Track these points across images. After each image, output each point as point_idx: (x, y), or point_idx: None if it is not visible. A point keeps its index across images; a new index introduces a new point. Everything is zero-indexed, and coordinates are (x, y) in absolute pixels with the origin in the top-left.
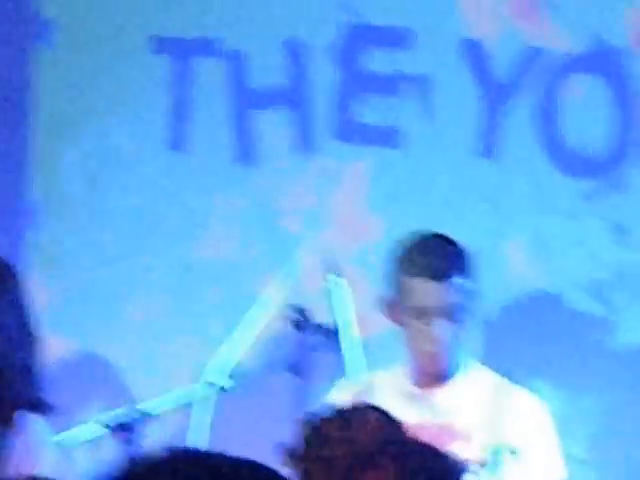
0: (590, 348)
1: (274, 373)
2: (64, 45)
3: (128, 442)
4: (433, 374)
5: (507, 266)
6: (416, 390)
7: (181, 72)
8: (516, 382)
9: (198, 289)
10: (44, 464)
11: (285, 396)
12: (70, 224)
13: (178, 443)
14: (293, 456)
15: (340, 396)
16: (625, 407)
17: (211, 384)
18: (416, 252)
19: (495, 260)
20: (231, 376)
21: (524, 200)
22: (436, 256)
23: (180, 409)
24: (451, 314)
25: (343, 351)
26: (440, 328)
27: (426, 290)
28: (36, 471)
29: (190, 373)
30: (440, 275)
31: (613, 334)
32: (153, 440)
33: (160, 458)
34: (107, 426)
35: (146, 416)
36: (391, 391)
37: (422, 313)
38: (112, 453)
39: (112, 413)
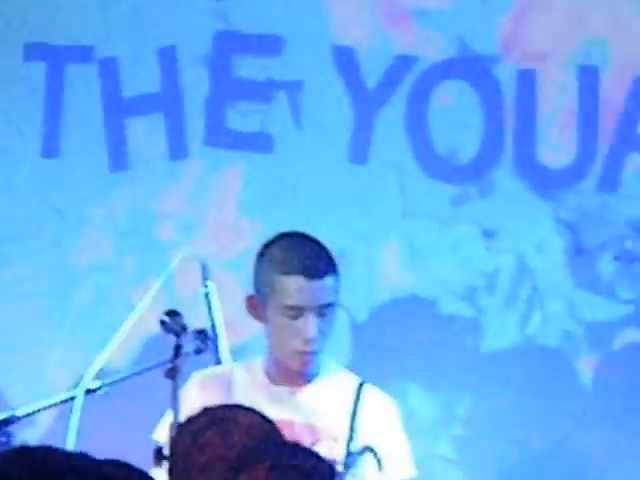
0: (462, 352)
1: (147, 375)
2: None
3: (1, 445)
4: (298, 373)
5: (381, 270)
6: (277, 388)
7: (55, 79)
8: (387, 386)
9: (72, 295)
10: None
11: (158, 398)
12: None
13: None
14: (165, 458)
15: (196, 389)
16: (495, 408)
17: (83, 387)
18: (289, 251)
19: (368, 264)
20: (99, 378)
21: (395, 205)
22: (310, 255)
23: (53, 411)
24: (323, 313)
25: (220, 355)
26: (312, 327)
27: (300, 288)
28: None
29: (65, 378)
30: (314, 274)
31: (484, 338)
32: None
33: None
34: None
35: (20, 419)
36: (251, 387)
37: (295, 311)
38: None
39: None
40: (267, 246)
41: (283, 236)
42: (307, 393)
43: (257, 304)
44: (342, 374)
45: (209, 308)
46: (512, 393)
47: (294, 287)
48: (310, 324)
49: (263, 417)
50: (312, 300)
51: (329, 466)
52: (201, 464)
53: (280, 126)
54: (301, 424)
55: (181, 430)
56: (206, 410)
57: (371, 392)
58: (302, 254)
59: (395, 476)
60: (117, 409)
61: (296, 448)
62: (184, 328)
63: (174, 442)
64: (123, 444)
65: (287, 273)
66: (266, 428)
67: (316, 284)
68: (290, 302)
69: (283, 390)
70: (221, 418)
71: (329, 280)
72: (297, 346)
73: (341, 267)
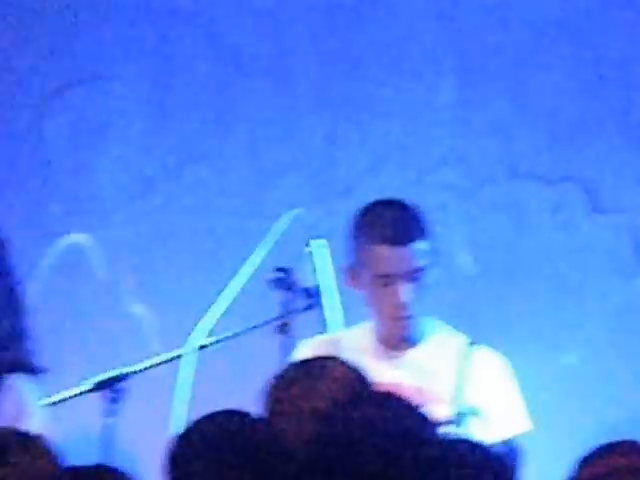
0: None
1: (258, 332)
2: None
3: (113, 401)
4: (400, 338)
5: None
6: (384, 351)
7: None
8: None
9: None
10: (32, 426)
11: (269, 354)
12: None
13: (161, 400)
14: (264, 409)
15: (306, 353)
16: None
17: (195, 344)
18: (376, 219)
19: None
20: (211, 334)
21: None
22: (396, 222)
23: (162, 367)
24: (414, 279)
25: (325, 311)
26: (404, 293)
27: (389, 256)
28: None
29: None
30: (399, 241)
31: (587, 296)
32: (138, 399)
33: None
34: (94, 386)
35: (131, 375)
36: (360, 352)
37: (384, 279)
38: (98, 413)
39: (98, 375)
40: (358, 215)
41: (373, 205)
42: (414, 356)
43: (353, 274)
44: (449, 335)
45: (314, 267)
46: (617, 353)
47: (380, 256)
48: (400, 290)
49: (354, 369)
50: (400, 267)
51: (431, 421)
52: (291, 414)
53: None
54: (409, 386)
55: (273, 382)
56: (298, 362)
57: (480, 351)
58: (387, 222)
59: (510, 432)
60: (228, 366)
61: (387, 399)
62: (294, 284)
63: (267, 393)
64: (234, 401)
65: (373, 242)
66: (356, 380)
67: (402, 251)
68: (378, 270)
69: (390, 354)
70: (312, 370)
71: (417, 245)
72: (391, 312)
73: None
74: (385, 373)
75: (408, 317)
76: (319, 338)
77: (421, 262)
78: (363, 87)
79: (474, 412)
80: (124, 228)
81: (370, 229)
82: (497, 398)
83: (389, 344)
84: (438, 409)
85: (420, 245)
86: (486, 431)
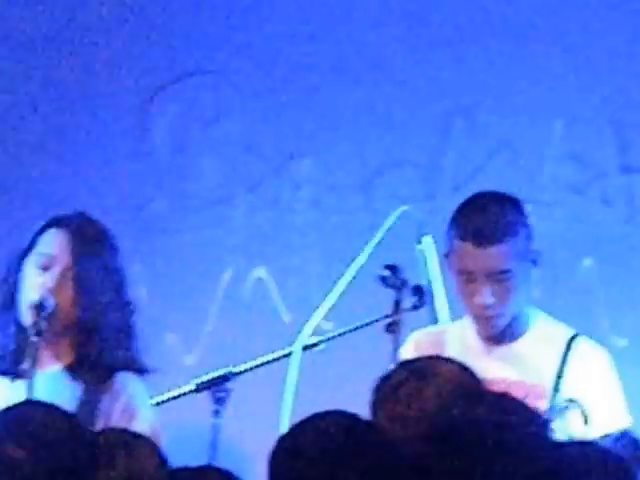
0: None
1: (366, 330)
2: None
3: (220, 401)
4: (486, 336)
5: None
6: (484, 345)
7: None
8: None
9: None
10: (141, 426)
11: (378, 353)
12: None
13: (267, 400)
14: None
15: (412, 349)
16: None
17: (301, 343)
18: (468, 215)
19: None
20: (317, 334)
21: None
22: (488, 220)
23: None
24: (498, 280)
25: (436, 312)
26: (486, 294)
27: (472, 254)
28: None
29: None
30: (484, 241)
31: None
32: (243, 399)
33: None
34: (200, 386)
35: (237, 375)
36: (464, 345)
37: (467, 276)
38: (204, 412)
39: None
40: (458, 207)
41: (473, 198)
42: (515, 349)
43: (448, 263)
44: (552, 328)
45: (425, 265)
46: None
47: (464, 252)
48: (480, 290)
49: (464, 368)
50: (482, 267)
51: (542, 418)
52: (398, 416)
53: None
54: (512, 381)
55: (380, 383)
56: (405, 362)
57: (582, 344)
58: (477, 220)
59: (607, 427)
60: (335, 365)
61: (499, 400)
62: (404, 283)
63: (374, 394)
64: (341, 402)
65: (460, 238)
66: (465, 380)
67: (486, 251)
68: (461, 266)
69: (491, 348)
70: (419, 370)
71: (504, 247)
72: (475, 310)
73: None
74: (488, 368)
75: (491, 317)
76: (425, 331)
77: (508, 264)
78: (479, 82)
79: (575, 406)
80: (229, 225)
81: (461, 223)
82: (598, 392)
83: (491, 338)
84: (541, 404)
85: (509, 246)
86: (587, 426)
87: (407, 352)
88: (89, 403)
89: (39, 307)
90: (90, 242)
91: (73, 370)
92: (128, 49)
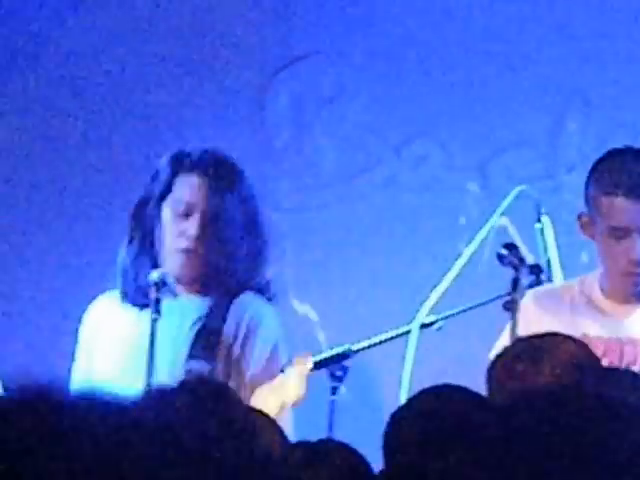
0: None
1: (485, 309)
2: None
3: (337, 379)
4: (630, 293)
5: None
6: (609, 305)
7: None
8: None
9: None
10: (261, 343)
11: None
12: None
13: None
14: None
15: (532, 306)
16: None
17: (419, 321)
18: (612, 169)
19: None
20: (433, 313)
21: None
22: (635, 174)
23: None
24: None
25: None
26: (638, 248)
27: (626, 209)
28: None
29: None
30: (637, 193)
31: None
32: (360, 376)
33: None
34: (317, 364)
35: (356, 353)
36: (584, 302)
37: (620, 232)
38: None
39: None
40: (596, 164)
41: (612, 153)
42: (637, 312)
43: (588, 223)
44: None
45: (544, 244)
46: None
47: (618, 208)
48: (636, 245)
49: (580, 345)
50: (637, 221)
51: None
52: (514, 394)
53: None
54: (629, 342)
55: (496, 360)
56: (520, 340)
57: None
58: (626, 173)
59: None
60: (452, 343)
61: (619, 376)
62: (522, 261)
63: (490, 370)
64: (457, 378)
65: (611, 194)
66: (581, 357)
67: (638, 204)
68: (614, 223)
69: (615, 307)
70: (535, 348)
71: None
72: (623, 267)
73: None
74: (606, 328)
75: (637, 273)
76: (542, 289)
77: None
78: (594, 64)
79: None
80: (342, 205)
81: (609, 179)
82: None
83: (617, 298)
84: None
85: None
86: None
87: (527, 309)
88: (217, 316)
89: (159, 284)
90: (226, 184)
91: (205, 288)
92: (243, 33)
